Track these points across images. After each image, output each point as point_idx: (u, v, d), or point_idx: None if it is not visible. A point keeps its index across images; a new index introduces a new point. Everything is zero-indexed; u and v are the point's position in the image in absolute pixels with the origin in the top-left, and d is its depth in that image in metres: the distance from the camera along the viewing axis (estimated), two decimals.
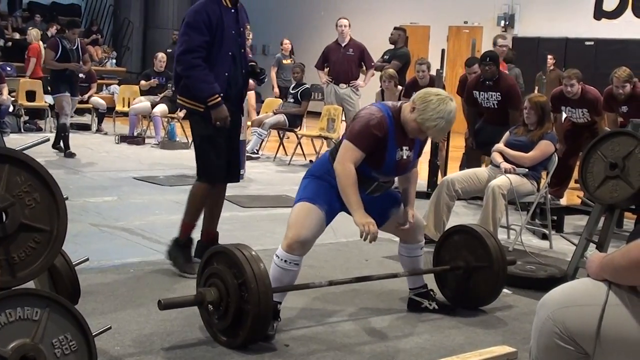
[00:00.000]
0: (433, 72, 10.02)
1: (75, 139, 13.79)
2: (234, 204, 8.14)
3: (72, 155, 11.49)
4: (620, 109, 8.35)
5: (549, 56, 14.65)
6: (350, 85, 12.03)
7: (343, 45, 12.11)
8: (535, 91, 13.61)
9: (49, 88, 13.01)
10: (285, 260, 4.42)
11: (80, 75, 15.33)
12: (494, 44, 11.31)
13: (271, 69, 14.80)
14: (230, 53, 5.47)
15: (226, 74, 5.47)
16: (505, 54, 12.64)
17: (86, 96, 15.12)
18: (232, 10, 5.50)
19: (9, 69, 17.40)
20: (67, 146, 11.58)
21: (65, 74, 11.60)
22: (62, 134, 11.62)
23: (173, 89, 14.15)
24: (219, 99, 5.36)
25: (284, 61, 15.41)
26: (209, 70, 5.38)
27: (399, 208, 4.77)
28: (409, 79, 10.72)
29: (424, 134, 4.46)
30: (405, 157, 4.57)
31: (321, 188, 4.50)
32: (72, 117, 12.16)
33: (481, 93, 8.85)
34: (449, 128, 4.47)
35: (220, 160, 5.52)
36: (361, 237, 4.39)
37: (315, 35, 15.76)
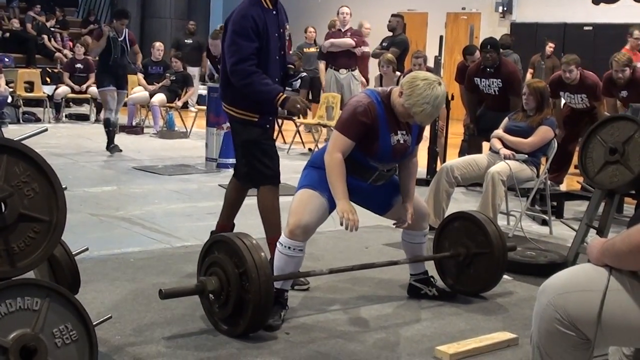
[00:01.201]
0: (430, 63, 9.99)
1: (74, 129, 13.84)
2: None
3: (117, 149, 11.00)
4: (620, 94, 8.33)
5: (549, 43, 14.62)
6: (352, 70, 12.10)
7: (343, 31, 12.18)
8: (528, 74, 13.62)
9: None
10: (289, 247, 4.43)
11: (78, 65, 15.40)
12: (630, 34, 11.07)
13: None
14: (277, 57, 5.25)
15: (276, 79, 5.24)
16: (510, 40, 12.59)
17: (84, 86, 15.16)
18: (273, 12, 5.25)
19: (7, 59, 17.41)
20: (111, 140, 11.03)
21: (110, 66, 10.93)
22: (107, 129, 11.05)
23: (172, 78, 14.15)
24: (284, 94, 5.11)
25: (306, 49, 14.64)
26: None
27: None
28: (406, 70, 10.69)
29: (412, 118, 4.42)
30: (402, 141, 4.54)
31: (322, 176, 4.48)
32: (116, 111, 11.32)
33: (482, 80, 8.85)
34: (436, 113, 4.44)
35: (273, 161, 5.25)
36: (341, 224, 4.37)
37: (312, 22, 15.73)
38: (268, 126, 5.28)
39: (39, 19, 19.73)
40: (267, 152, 5.22)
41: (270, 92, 5.08)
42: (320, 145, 11.95)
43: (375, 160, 4.53)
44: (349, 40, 12.08)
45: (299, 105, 5.22)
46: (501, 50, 11.96)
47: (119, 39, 11.02)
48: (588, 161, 5.46)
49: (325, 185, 4.45)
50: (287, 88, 5.51)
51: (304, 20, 17.30)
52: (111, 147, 10.99)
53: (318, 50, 13.35)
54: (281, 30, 5.33)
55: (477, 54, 9.73)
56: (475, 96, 9.15)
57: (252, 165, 5.24)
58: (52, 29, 20.03)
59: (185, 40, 17.29)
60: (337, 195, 4.38)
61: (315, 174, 4.55)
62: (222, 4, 22.76)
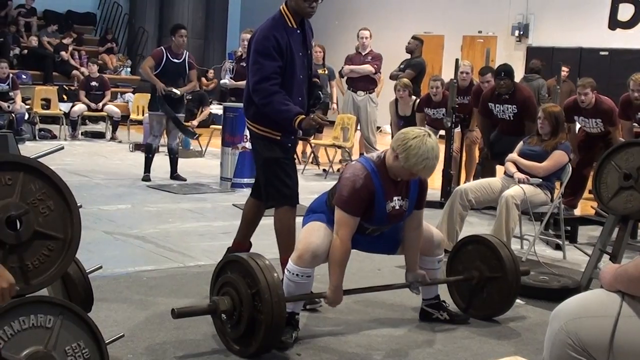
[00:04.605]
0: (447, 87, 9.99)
1: (90, 147, 13.90)
2: None
3: (148, 179, 10.33)
4: (637, 116, 8.31)
5: (564, 67, 14.60)
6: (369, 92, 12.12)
7: (363, 54, 12.22)
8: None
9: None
10: (297, 274, 4.44)
11: (93, 83, 15.37)
12: None
13: None
14: (301, 76, 5.28)
15: (300, 98, 5.27)
16: (535, 64, 12.58)
17: (100, 104, 15.21)
18: (298, 31, 5.27)
19: (24, 76, 17.52)
20: (147, 168, 10.47)
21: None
22: (147, 155, 10.53)
23: (189, 97, 14.17)
24: (302, 116, 5.09)
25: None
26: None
27: None
28: (423, 95, 10.69)
29: (416, 176, 4.43)
30: (397, 207, 4.51)
31: (326, 216, 4.54)
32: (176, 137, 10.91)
33: (497, 105, 8.83)
34: (436, 163, 4.37)
35: (292, 180, 5.28)
36: (326, 302, 4.57)
37: (329, 44, 15.75)
38: (290, 145, 5.31)
39: (53, 41, 19.78)
40: (287, 171, 5.24)
41: (290, 111, 5.08)
42: (335, 167, 11.99)
43: (370, 224, 4.54)
44: (369, 67, 12.10)
45: (314, 123, 5.16)
46: (528, 75, 11.96)
47: (176, 61, 10.29)
48: (602, 186, 5.45)
49: (330, 218, 4.48)
50: (317, 99, 5.54)
51: (321, 40, 17.37)
52: (145, 175, 10.42)
53: (326, 72, 13.22)
54: (308, 51, 5.36)
55: (489, 75, 9.71)
56: (489, 121, 9.13)
57: (272, 184, 5.25)
58: (69, 47, 20.14)
59: (243, 64, 16.99)
60: (332, 281, 4.44)
61: (317, 216, 4.59)
62: (239, 24, 22.87)
